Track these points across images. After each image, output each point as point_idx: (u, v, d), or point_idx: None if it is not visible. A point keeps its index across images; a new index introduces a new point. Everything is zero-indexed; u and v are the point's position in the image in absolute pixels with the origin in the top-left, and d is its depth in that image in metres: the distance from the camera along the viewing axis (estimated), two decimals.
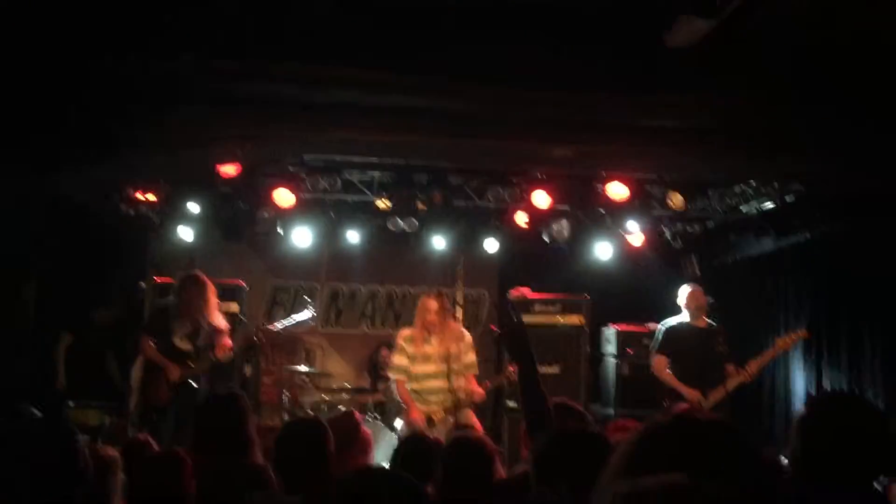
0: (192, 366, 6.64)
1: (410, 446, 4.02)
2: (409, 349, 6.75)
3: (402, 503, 2.08)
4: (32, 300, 7.22)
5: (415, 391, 6.76)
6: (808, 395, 7.41)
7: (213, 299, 6.82)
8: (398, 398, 6.95)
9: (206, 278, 6.84)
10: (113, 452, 4.11)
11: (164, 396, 6.63)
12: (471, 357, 6.85)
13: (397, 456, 3.97)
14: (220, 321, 6.80)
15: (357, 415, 4.75)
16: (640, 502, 0.85)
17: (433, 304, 6.73)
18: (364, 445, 4.58)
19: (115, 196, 7.78)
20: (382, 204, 8.45)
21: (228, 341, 6.71)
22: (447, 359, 6.65)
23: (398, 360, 6.80)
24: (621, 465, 1.31)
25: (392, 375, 6.95)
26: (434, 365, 6.71)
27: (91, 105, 5.38)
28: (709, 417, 1.42)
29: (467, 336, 6.98)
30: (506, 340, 3.81)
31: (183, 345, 6.74)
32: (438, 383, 6.70)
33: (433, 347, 6.73)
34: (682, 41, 5.04)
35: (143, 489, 3.38)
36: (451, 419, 6.61)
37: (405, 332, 6.96)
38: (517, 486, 3.32)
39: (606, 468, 1.34)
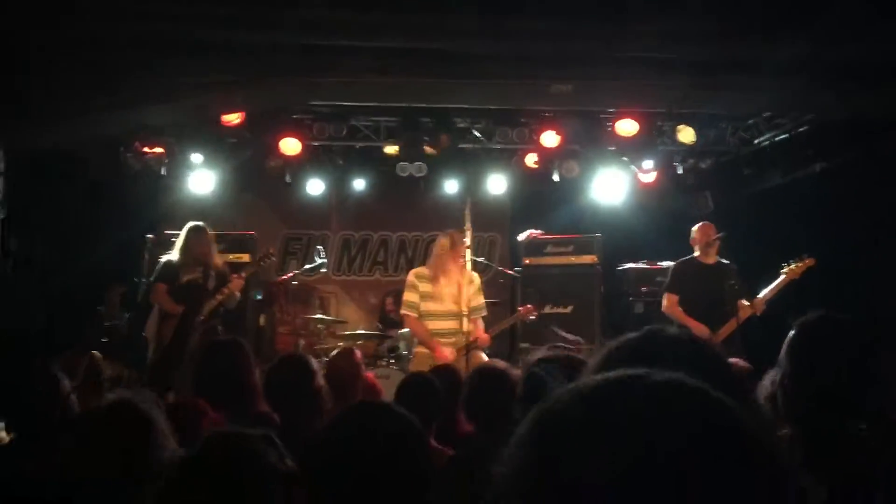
0: (204, 306, 6.70)
1: (413, 386, 4.00)
2: (422, 286, 6.70)
3: (394, 435, 2.06)
4: (43, 253, 7.28)
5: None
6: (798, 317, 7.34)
7: (215, 247, 6.96)
8: (413, 336, 6.88)
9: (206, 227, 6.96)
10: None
11: (180, 346, 6.69)
12: (480, 300, 6.83)
13: (399, 395, 3.95)
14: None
15: (357, 353, 4.72)
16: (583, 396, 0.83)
17: (447, 243, 6.67)
18: (367, 384, 4.58)
19: (121, 150, 7.78)
20: (390, 149, 8.40)
21: (236, 279, 6.77)
22: (459, 300, 6.58)
23: (409, 296, 6.73)
24: (591, 372, 1.33)
25: (403, 311, 6.89)
26: (446, 305, 6.66)
27: (82, 53, 5.33)
28: (680, 332, 1.42)
29: (476, 279, 6.94)
30: None
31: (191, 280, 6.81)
32: (450, 324, 6.64)
33: (445, 287, 6.67)
34: None
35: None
36: (464, 360, 6.55)
37: (418, 269, 6.91)
38: None
39: (582, 374, 1.36)
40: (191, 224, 6.99)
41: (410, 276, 6.82)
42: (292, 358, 3.94)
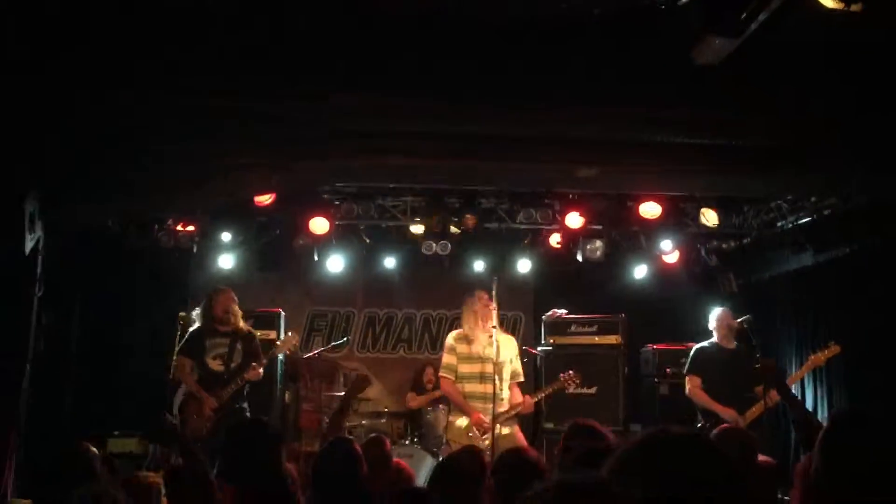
0: (222, 393, 6.70)
1: (446, 470, 4.01)
2: (459, 348, 6.66)
3: None
4: (77, 329, 7.40)
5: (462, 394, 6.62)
6: (831, 411, 7.33)
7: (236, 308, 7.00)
8: (449, 398, 6.77)
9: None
10: (155, 479, 4.19)
11: (203, 428, 6.65)
12: (518, 365, 6.80)
13: (432, 480, 3.96)
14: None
15: (387, 441, 4.76)
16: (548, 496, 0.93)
17: (473, 301, 6.65)
18: (401, 471, 4.61)
19: (154, 227, 7.96)
20: (416, 229, 8.53)
21: (259, 367, 6.76)
22: (497, 362, 6.39)
23: (448, 358, 6.66)
24: (608, 474, 1.38)
25: (441, 374, 6.77)
26: (479, 366, 6.57)
27: (119, 136, 5.52)
28: (686, 432, 1.48)
29: (514, 343, 6.90)
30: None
31: (215, 366, 6.81)
32: (485, 387, 6.45)
33: (478, 348, 6.58)
34: (708, 59, 5.06)
35: None
36: (495, 430, 6.35)
37: (456, 331, 6.86)
38: None
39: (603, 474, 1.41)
40: (211, 289, 7.07)
41: (449, 339, 6.79)
42: (342, 445, 3.95)
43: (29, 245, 5.51)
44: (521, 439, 6.65)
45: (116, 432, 7.84)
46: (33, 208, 5.54)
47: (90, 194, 6.35)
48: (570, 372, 7.05)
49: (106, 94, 5.23)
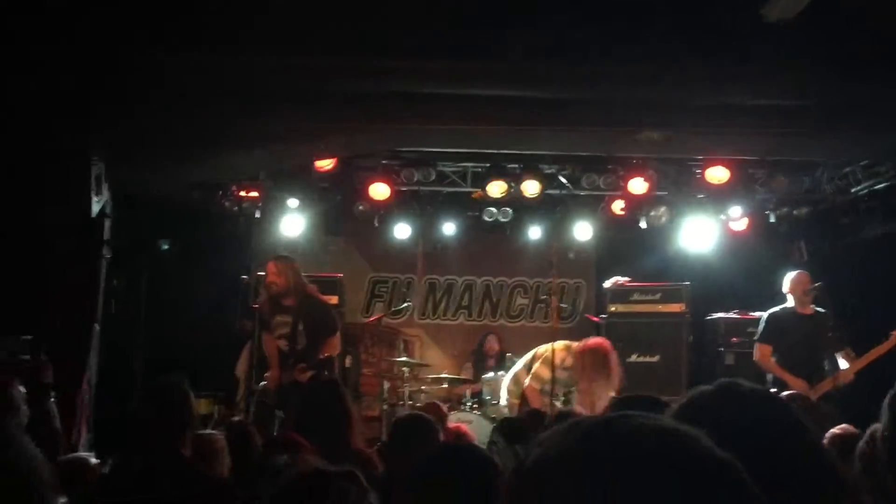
0: (284, 375, 6.44)
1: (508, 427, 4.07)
2: (564, 386, 6.74)
3: (476, 475, 2.10)
4: (145, 292, 7.55)
5: None
6: None
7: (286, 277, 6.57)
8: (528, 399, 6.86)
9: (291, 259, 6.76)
10: (220, 438, 4.32)
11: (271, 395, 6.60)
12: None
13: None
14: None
15: (442, 406, 4.80)
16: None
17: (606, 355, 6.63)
18: (459, 435, 4.67)
19: (218, 193, 8.07)
20: (477, 194, 8.48)
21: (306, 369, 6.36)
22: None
23: (546, 375, 6.67)
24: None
25: (529, 380, 6.82)
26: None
27: (183, 103, 5.58)
28: (755, 387, 1.40)
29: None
30: None
31: (282, 345, 6.56)
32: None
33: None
34: (780, 14, 4.86)
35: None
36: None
37: (568, 372, 6.74)
38: None
39: None
40: (274, 264, 6.80)
41: (560, 357, 6.67)
42: (417, 419, 4.00)
43: (96, 207, 5.64)
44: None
45: None
46: (99, 171, 5.65)
47: (156, 159, 6.47)
48: None
49: (179, 57, 5.29)
